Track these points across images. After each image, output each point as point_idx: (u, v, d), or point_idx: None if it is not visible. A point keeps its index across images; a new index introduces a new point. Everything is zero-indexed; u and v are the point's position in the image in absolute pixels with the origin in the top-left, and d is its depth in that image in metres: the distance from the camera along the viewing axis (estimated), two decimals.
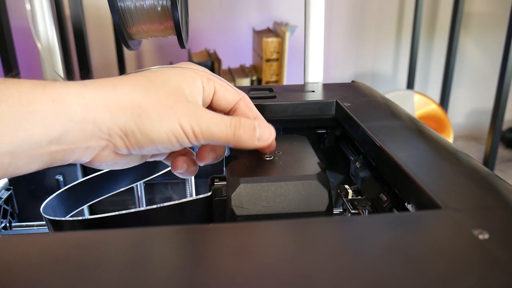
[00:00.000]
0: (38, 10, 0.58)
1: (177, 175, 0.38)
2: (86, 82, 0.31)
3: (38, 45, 0.36)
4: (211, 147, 0.37)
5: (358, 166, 0.43)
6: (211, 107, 0.37)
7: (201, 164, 0.38)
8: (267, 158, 0.37)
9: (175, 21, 0.44)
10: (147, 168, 0.48)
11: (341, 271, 0.20)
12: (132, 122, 0.31)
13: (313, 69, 0.60)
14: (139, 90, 0.32)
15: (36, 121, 0.29)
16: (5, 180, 0.51)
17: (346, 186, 0.42)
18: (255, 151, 0.39)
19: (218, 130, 0.33)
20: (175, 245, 0.22)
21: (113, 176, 0.47)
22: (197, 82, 0.35)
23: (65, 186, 0.44)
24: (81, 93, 0.30)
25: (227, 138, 0.34)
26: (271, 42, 1.39)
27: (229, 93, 0.36)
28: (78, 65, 1.46)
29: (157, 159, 0.39)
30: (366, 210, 0.39)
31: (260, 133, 0.35)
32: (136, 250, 0.22)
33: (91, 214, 0.59)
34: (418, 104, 1.62)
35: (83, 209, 0.48)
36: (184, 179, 0.51)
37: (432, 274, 0.19)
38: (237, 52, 1.70)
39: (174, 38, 0.47)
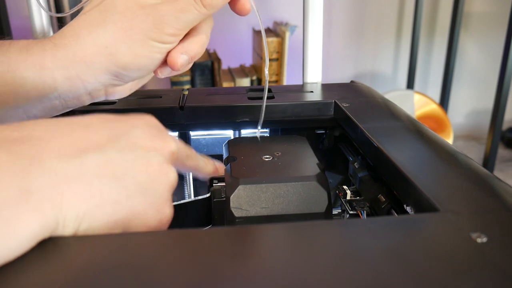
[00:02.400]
0: (36, 10, 0.58)
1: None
2: (56, 41, 0.34)
3: None
4: (181, 48, 0.37)
5: (356, 167, 0.42)
6: None
7: (176, 70, 0.37)
8: (266, 159, 0.37)
9: None
10: None
11: (339, 275, 0.20)
12: (109, 64, 0.34)
13: (312, 69, 0.60)
14: (97, 30, 0.34)
15: (26, 84, 0.32)
16: None
17: (345, 187, 0.42)
18: (253, 151, 0.39)
19: (187, 14, 0.34)
20: (172, 249, 0.22)
21: None
22: None
23: None
24: (55, 55, 0.33)
25: (201, 11, 0.34)
26: (271, 42, 1.39)
27: None
28: None
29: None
30: (364, 211, 0.38)
31: None
32: (134, 253, 0.21)
33: None
34: (418, 104, 1.62)
35: None
36: (182, 181, 0.50)
37: (430, 278, 0.19)
38: (237, 52, 1.69)
39: None
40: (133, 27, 0.34)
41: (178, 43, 0.36)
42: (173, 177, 0.27)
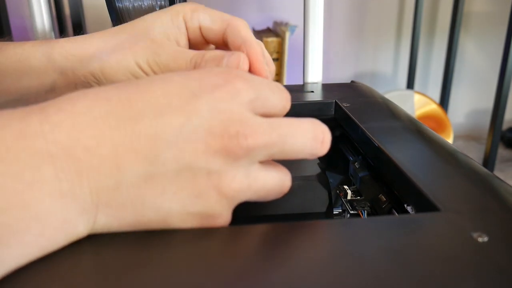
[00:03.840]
0: (37, 10, 0.58)
1: None
2: (72, 37, 0.35)
3: None
4: None
5: (357, 167, 0.42)
6: (204, 40, 0.36)
7: None
8: None
9: None
10: None
11: (339, 274, 0.20)
12: (96, 67, 0.34)
13: (313, 69, 0.60)
14: (107, 36, 0.35)
15: (32, 74, 0.34)
16: None
17: (345, 187, 0.42)
18: None
19: (176, 66, 0.33)
20: (166, 250, 0.22)
21: None
22: (175, 20, 0.34)
23: None
24: (64, 46, 0.34)
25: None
26: (271, 42, 1.39)
27: (215, 24, 0.35)
28: None
29: None
30: (365, 211, 0.38)
31: (226, 62, 0.32)
32: (135, 252, 0.21)
33: None
34: (418, 104, 1.62)
35: None
36: None
37: (431, 277, 0.19)
38: None
39: None
40: (131, 48, 0.34)
41: None
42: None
